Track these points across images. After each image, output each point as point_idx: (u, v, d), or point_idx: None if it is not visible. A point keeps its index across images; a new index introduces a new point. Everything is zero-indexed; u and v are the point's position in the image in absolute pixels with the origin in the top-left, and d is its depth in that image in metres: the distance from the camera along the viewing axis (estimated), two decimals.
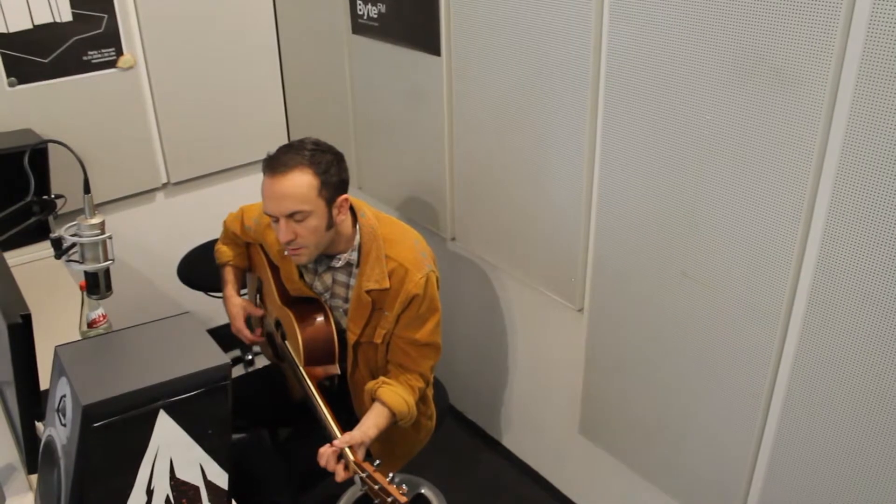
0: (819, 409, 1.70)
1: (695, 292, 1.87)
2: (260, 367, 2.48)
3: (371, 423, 1.90)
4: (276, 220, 1.88)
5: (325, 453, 1.79)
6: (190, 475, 1.37)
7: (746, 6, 1.56)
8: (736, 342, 1.82)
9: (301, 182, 1.83)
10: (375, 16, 2.66)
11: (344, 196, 1.93)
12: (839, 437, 1.67)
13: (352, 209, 2.00)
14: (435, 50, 2.45)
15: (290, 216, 1.85)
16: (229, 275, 2.32)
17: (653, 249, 1.95)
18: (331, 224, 1.91)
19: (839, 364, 1.62)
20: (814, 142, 1.52)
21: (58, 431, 1.32)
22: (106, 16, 2.83)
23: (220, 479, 1.41)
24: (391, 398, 1.94)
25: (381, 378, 2.00)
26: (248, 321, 2.28)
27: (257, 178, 3.40)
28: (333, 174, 1.88)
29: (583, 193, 2.11)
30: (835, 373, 1.64)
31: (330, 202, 1.88)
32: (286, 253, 2.01)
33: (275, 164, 1.85)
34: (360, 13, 2.72)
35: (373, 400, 1.97)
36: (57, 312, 2.18)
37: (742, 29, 1.58)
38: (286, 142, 3.39)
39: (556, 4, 1.99)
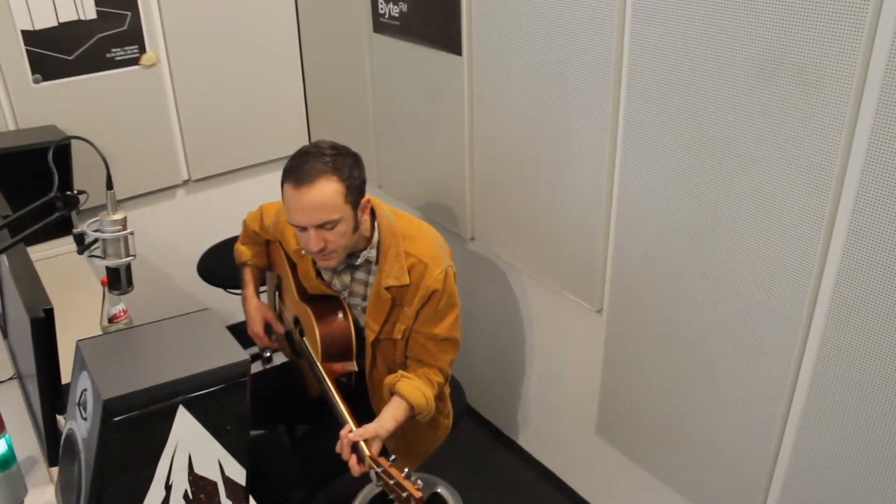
0: (840, 415, 1.68)
1: (715, 294, 1.86)
2: (278, 364, 2.49)
3: (389, 416, 1.91)
4: (304, 229, 1.88)
5: (343, 440, 1.80)
6: (208, 471, 1.38)
7: (769, 6, 1.54)
8: (756, 345, 1.80)
9: (328, 190, 1.83)
10: (397, 15, 2.66)
11: (366, 197, 1.93)
12: (860, 443, 1.66)
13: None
14: (456, 49, 2.45)
15: (321, 226, 1.85)
16: (248, 275, 2.33)
17: (673, 251, 1.94)
18: (357, 226, 1.91)
19: (861, 369, 1.60)
20: (838, 144, 1.51)
21: (78, 425, 1.33)
22: (129, 13, 2.85)
23: (238, 475, 1.42)
24: (410, 391, 1.94)
25: (400, 372, 2.01)
26: (266, 327, 2.29)
27: (277, 175, 3.40)
28: (356, 177, 1.88)
29: (603, 194, 2.10)
30: (856, 378, 1.62)
31: (355, 206, 1.89)
32: (303, 251, 2.02)
33: (299, 175, 1.83)
34: (382, 12, 2.73)
35: (391, 394, 1.98)
36: (78, 307, 2.20)
37: (765, 29, 1.57)
38: (306, 140, 3.43)
39: (579, 4, 1.98)
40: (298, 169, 1.84)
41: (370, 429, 1.83)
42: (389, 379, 2.00)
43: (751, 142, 1.66)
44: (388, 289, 1.96)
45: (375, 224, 2.00)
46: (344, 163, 1.86)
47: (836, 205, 1.56)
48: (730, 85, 1.67)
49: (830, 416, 1.70)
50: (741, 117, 1.67)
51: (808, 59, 1.51)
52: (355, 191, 1.88)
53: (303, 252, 2.06)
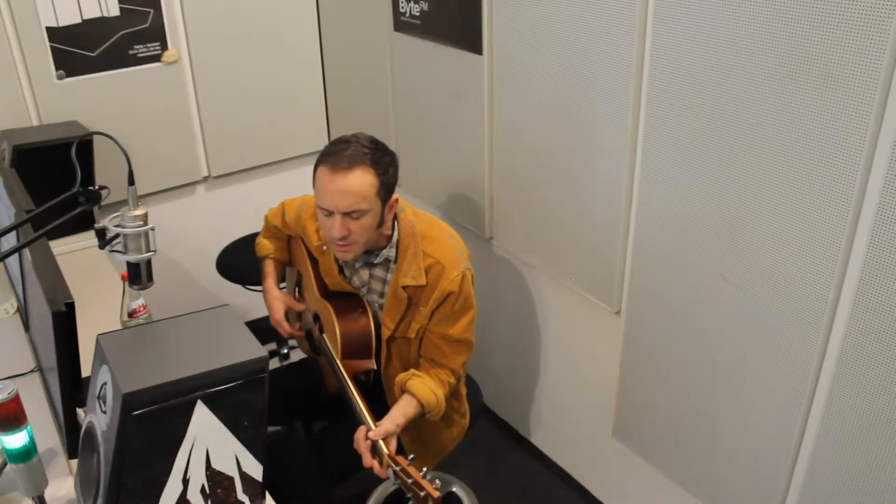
0: (860, 421, 1.66)
1: (735, 297, 1.85)
2: (295, 360, 2.50)
3: (398, 413, 1.91)
4: (330, 213, 1.88)
5: (361, 443, 1.81)
6: (225, 466, 1.39)
7: (794, 6, 1.53)
8: (776, 349, 1.79)
9: (364, 181, 1.84)
10: (417, 14, 2.66)
11: (396, 197, 1.95)
12: (880, 449, 1.64)
13: None
14: (477, 49, 2.45)
15: (348, 213, 1.86)
16: (269, 268, 2.34)
17: (693, 253, 1.93)
18: (381, 223, 1.92)
19: (883, 374, 1.59)
20: (862, 146, 1.49)
21: (98, 418, 1.34)
22: (152, 11, 2.87)
23: (255, 470, 1.43)
24: (420, 389, 1.95)
25: (412, 370, 2.01)
26: (287, 314, 2.30)
27: (297, 173, 3.46)
28: (391, 175, 1.91)
29: (623, 195, 2.09)
30: (878, 384, 1.60)
31: (384, 202, 1.90)
32: (324, 247, 2.02)
33: (337, 160, 1.85)
34: (403, 11, 2.73)
35: (402, 391, 1.98)
36: (99, 301, 2.22)
37: (789, 29, 1.55)
38: (325, 139, 3.44)
39: (600, 5, 1.97)
40: (337, 154, 1.85)
41: (384, 427, 1.84)
42: (401, 377, 2.00)
43: (773, 143, 1.65)
44: (405, 288, 1.96)
45: (396, 223, 2.01)
46: (382, 159, 1.88)
47: (859, 208, 1.54)
48: (753, 85, 1.66)
49: (850, 422, 1.68)
50: (764, 118, 1.65)
51: (833, 61, 1.49)
52: (387, 188, 1.90)
53: (324, 248, 2.07)
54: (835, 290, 1.63)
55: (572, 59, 2.11)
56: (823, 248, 1.62)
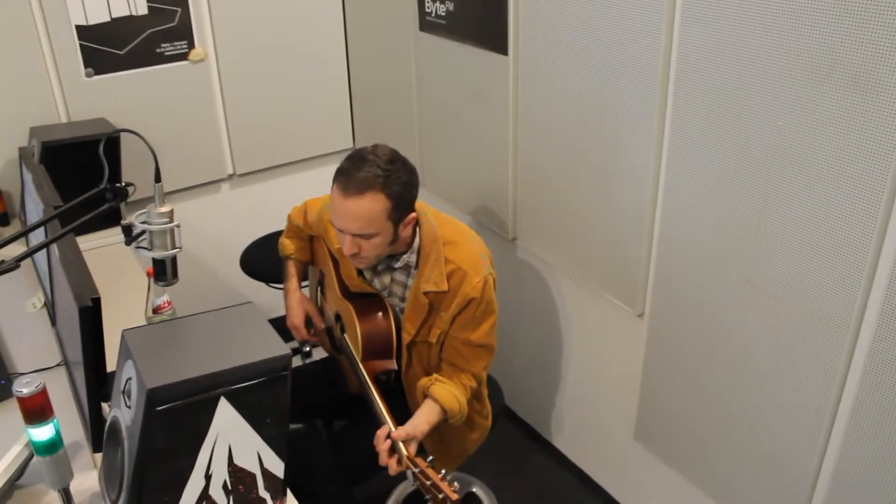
0: (887, 428, 1.64)
1: (760, 301, 1.83)
2: (317, 358, 2.51)
3: (422, 419, 1.91)
4: (342, 231, 1.89)
5: (380, 442, 1.81)
6: (247, 462, 1.40)
7: (823, 8, 1.51)
8: (801, 354, 1.77)
9: (373, 207, 1.82)
10: (443, 14, 2.66)
11: (412, 215, 1.92)
12: None
13: None
14: (502, 49, 2.45)
15: (358, 234, 1.87)
16: (291, 268, 2.35)
17: (717, 256, 1.91)
18: (395, 239, 1.92)
19: None
20: (892, 150, 1.47)
21: (122, 413, 1.36)
22: (179, 9, 2.90)
23: (277, 467, 1.44)
24: (443, 395, 1.94)
25: (435, 375, 2.01)
26: (306, 320, 2.31)
27: (321, 171, 3.48)
28: (405, 195, 1.87)
29: (648, 197, 2.08)
30: None
31: (398, 222, 1.88)
32: (345, 255, 2.03)
33: (349, 182, 1.82)
34: (428, 11, 2.73)
35: (425, 396, 1.98)
36: (124, 297, 2.24)
37: (818, 32, 1.53)
38: (350, 138, 3.45)
39: (627, 5, 1.96)
40: (350, 175, 1.83)
41: (407, 430, 1.84)
42: (423, 382, 2.00)
43: (801, 146, 1.63)
44: (426, 294, 1.96)
45: (417, 229, 2.00)
46: (397, 179, 1.84)
47: (888, 211, 1.52)
48: (781, 88, 1.64)
49: (877, 429, 1.66)
50: (792, 121, 1.63)
51: (863, 63, 1.47)
52: (401, 209, 1.87)
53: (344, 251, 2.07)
54: (862, 295, 1.61)
55: (598, 59, 2.10)
56: (851, 252, 1.60)
